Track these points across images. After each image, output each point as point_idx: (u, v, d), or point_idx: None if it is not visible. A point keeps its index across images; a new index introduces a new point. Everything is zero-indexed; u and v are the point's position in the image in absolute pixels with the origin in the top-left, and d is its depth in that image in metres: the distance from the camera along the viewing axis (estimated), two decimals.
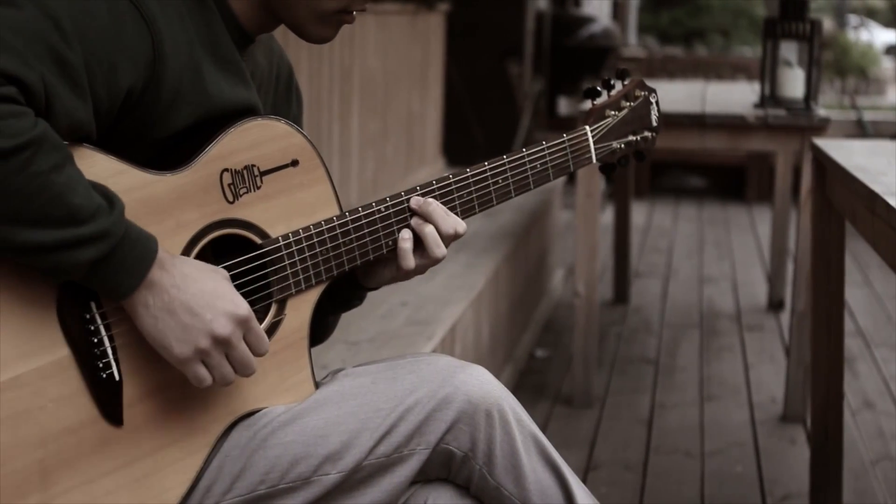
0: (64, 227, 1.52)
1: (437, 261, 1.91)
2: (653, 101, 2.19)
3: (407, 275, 1.92)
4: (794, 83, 4.49)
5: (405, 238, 1.88)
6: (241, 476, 1.76)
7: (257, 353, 1.70)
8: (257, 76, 1.91)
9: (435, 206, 1.89)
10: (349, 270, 1.88)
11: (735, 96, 5.21)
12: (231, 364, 1.68)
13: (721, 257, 7.33)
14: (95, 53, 1.58)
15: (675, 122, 4.32)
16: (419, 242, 1.90)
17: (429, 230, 1.89)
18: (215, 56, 1.74)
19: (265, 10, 1.83)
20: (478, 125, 7.71)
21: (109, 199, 1.58)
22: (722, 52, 15.68)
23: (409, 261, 1.89)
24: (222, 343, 1.65)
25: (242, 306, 1.67)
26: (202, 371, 1.65)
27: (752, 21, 17.38)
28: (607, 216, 6.99)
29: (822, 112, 4.40)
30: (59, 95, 1.54)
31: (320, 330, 2.00)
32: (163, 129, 1.70)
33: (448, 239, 1.91)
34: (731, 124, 4.37)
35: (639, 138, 2.16)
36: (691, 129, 4.39)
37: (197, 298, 1.63)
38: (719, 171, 9.89)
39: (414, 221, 1.89)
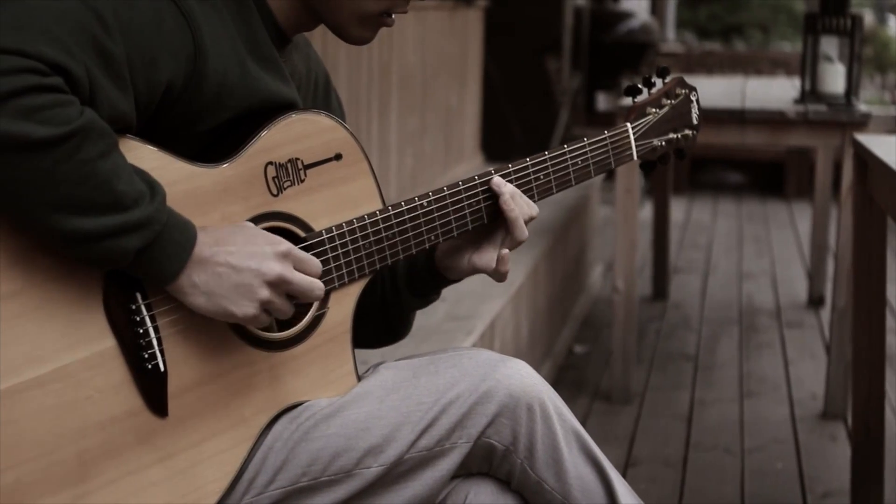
0: (110, 213, 1.53)
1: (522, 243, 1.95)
2: (693, 99, 2.19)
3: (486, 265, 1.94)
4: (834, 78, 4.47)
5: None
6: (284, 468, 1.76)
7: (313, 275, 1.71)
8: (295, 79, 1.92)
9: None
10: (420, 262, 1.93)
11: (775, 92, 5.18)
12: (296, 297, 1.70)
13: (760, 253, 7.29)
14: (136, 47, 1.59)
15: (714, 117, 4.30)
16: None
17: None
18: (255, 54, 1.75)
19: (305, 10, 1.83)
20: (516, 121, 7.70)
21: (151, 186, 1.59)
22: (761, 48, 15.59)
23: (524, 231, 1.93)
24: (278, 284, 1.67)
25: (279, 242, 1.68)
26: (272, 317, 1.70)
27: (791, 16, 17.28)
28: (646, 212, 6.97)
29: (862, 107, 4.37)
30: (101, 86, 1.55)
31: (402, 326, 2.04)
32: (207, 123, 1.71)
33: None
34: (771, 120, 4.35)
35: (679, 136, 2.16)
36: (731, 125, 4.37)
37: (235, 256, 1.64)
38: (758, 167, 9.84)
39: (505, 198, 1.91)
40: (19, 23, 1.48)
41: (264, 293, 1.66)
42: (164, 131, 1.68)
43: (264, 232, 1.69)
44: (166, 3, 1.65)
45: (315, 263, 1.72)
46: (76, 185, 1.51)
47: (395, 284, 2.01)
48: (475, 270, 1.96)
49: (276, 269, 1.66)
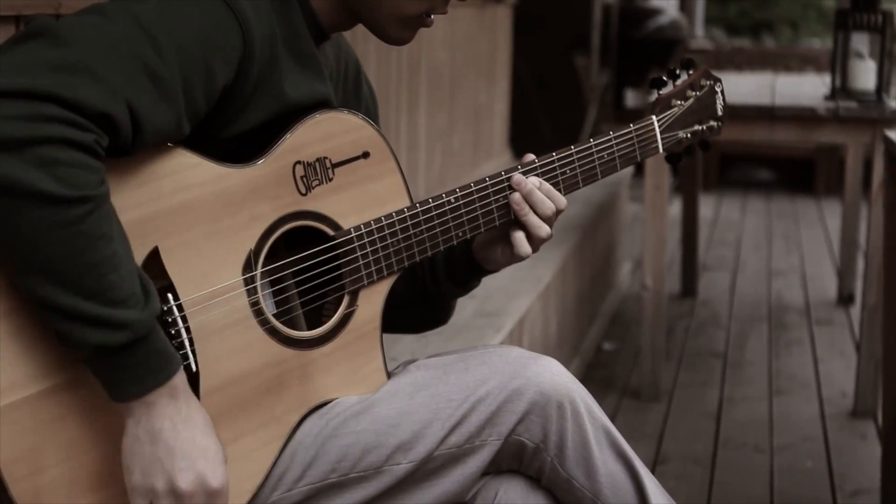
0: (89, 299, 1.47)
1: (544, 241, 1.94)
2: (718, 90, 2.19)
3: (519, 256, 1.94)
4: (865, 75, 4.45)
5: (516, 230, 1.92)
6: (313, 464, 1.77)
7: None
8: (326, 71, 1.92)
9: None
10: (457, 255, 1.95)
11: (805, 88, 5.16)
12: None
13: (790, 250, 7.27)
14: (192, 61, 1.58)
15: (744, 114, 4.29)
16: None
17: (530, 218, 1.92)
18: (294, 51, 1.75)
19: (345, 11, 1.84)
20: (544, 118, 7.69)
21: (147, 294, 1.54)
22: (790, 44, 15.53)
23: (526, 248, 1.92)
24: (177, 497, 1.57)
25: (218, 480, 1.59)
26: None
27: (820, 12, 17.20)
28: (675, 209, 6.95)
29: (893, 104, 4.35)
30: (148, 115, 1.53)
31: (444, 312, 2.06)
32: (239, 125, 1.70)
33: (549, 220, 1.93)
34: (801, 116, 4.33)
35: (704, 128, 2.16)
36: (761, 122, 4.36)
37: (183, 444, 1.56)
38: (788, 164, 9.80)
39: (514, 199, 1.91)
40: (65, 62, 1.45)
41: (161, 486, 1.56)
42: (199, 131, 1.67)
43: (222, 465, 1.60)
44: (219, 5, 1.64)
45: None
46: (67, 255, 1.45)
47: (434, 275, 2.02)
48: (510, 262, 1.96)
49: (189, 488, 1.56)
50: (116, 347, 1.50)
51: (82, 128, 1.45)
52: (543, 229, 1.92)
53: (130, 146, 1.54)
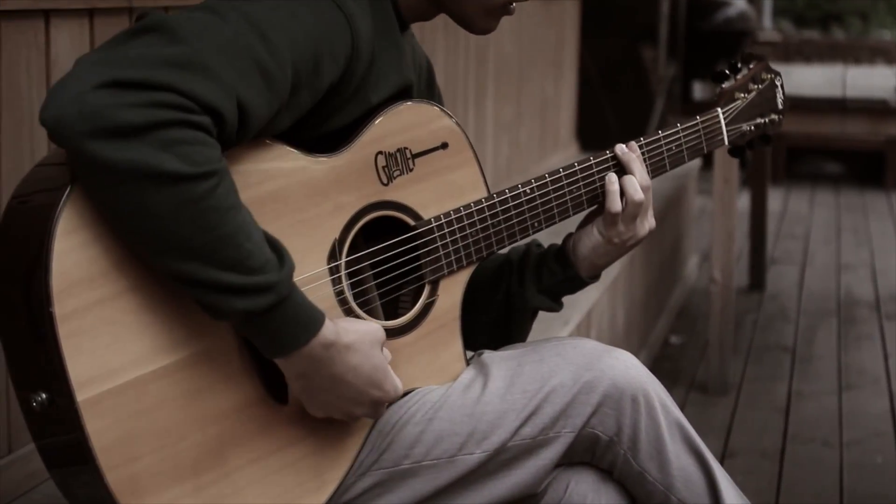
0: (229, 270, 1.50)
1: (637, 208, 1.94)
2: (778, 83, 2.20)
3: (613, 245, 1.95)
4: None
5: (612, 181, 1.93)
6: (388, 449, 1.78)
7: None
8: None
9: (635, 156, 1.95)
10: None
11: (875, 80, 5.11)
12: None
13: (859, 244, 7.20)
14: (302, 60, 1.59)
15: (814, 106, 4.27)
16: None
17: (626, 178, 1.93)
18: (386, 45, 1.76)
19: (430, 1, 1.85)
20: (611, 110, 7.66)
21: (280, 255, 1.57)
22: (860, 36, 15.37)
23: (617, 203, 1.92)
24: (374, 408, 1.69)
25: (390, 391, 1.68)
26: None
27: (891, 4, 17.01)
28: (743, 202, 6.91)
29: None
30: (255, 111, 1.54)
31: (518, 326, 2.03)
32: (331, 125, 1.72)
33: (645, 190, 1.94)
34: (872, 109, 4.30)
35: (766, 121, 2.18)
36: (831, 114, 4.34)
37: (350, 388, 1.65)
38: (857, 157, 9.71)
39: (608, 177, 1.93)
40: (179, 59, 1.47)
41: (358, 411, 1.68)
42: (294, 125, 1.68)
43: (390, 374, 1.69)
44: (329, 4, 1.64)
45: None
46: (201, 230, 1.48)
47: (521, 278, 1.99)
48: (605, 259, 1.97)
49: (367, 411, 1.69)
50: (265, 310, 1.53)
51: (196, 111, 1.48)
52: (638, 193, 1.92)
53: (235, 140, 1.56)
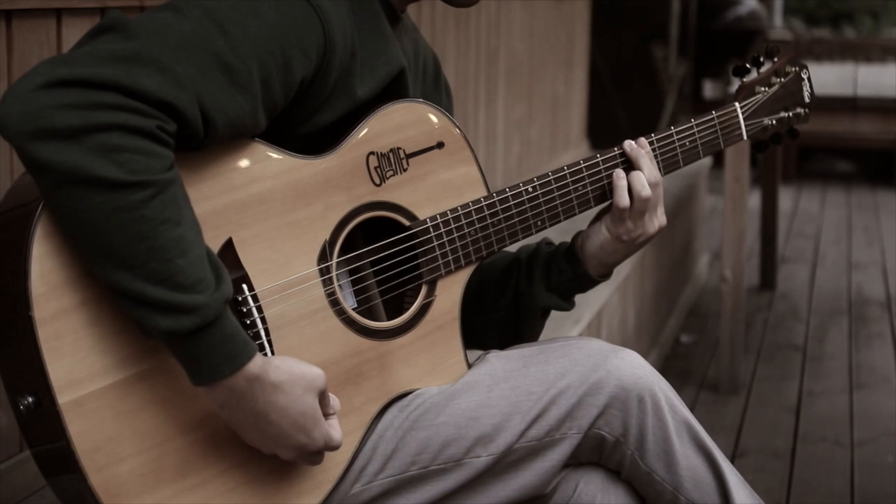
0: (156, 284, 1.46)
1: (645, 204, 1.91)
2: (804, 76, 2.17)
3: (622, 242, 1.93)
4: None
5: (619, 176, 1.91)
6: (394, 456, 1.77)
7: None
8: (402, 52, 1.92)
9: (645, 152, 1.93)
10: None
11: (887, 79, 5.12)
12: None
13: (870, 243, 7.19)
14: (268, 54, 1.57)
15: (825, 105, 4.27)
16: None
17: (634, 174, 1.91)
18: (369, 32, 1.74)
19: None
20: (622, 109, 7.66)
21: (219, 279, 1.52)
22: (871, 35, 15.34)
23: (624, 198, 1.90)
24: (305, 455, 1.63)
25: (320, 441, 1.61)
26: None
27: None
28: (753, 201, 6.90)
29: None
30: (220, 106, 1.52)
31: (528, 326, 2.01)
32: (315, 122, 1.70)
33: (654, 186, 1.92)
34: (884, 107, 4.30)
35: (791, 115, 2.15)
36: (843, 113, 4.33)
37: (280, 421, 1.58)
38: (868, 156, 9.68)
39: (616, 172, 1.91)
40: (129, 53, 1.46)
41: (284, 453, 1.61)
42: (276, 124, 1.67)
43: (318, 415, 1.61)
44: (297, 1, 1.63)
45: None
46: (131, 239, 1.45)
47: (530, 277, 1.98)
48: (613, 258, 1.95)
49: (302, 443, 1.60)
50: (186, 332, 1.48)
51: (144, 114, 1.45)
52: (646, 189, 1.91)
53: (204, 138, 1.54)
